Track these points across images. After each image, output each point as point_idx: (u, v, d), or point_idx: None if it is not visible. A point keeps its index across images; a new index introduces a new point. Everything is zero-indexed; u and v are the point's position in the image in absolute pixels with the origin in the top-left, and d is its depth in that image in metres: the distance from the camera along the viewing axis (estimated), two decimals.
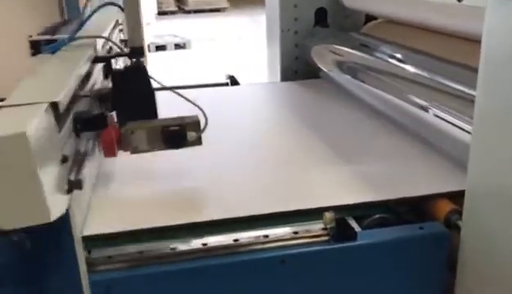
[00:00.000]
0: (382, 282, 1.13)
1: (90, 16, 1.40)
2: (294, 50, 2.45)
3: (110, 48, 1.67)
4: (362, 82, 1.93)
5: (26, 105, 0.86)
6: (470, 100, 1.32)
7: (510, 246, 0.97)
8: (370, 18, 2.46)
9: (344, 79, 2.09)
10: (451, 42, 1.79)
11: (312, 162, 1.49)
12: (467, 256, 1.10)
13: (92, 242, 1.06)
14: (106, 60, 1.43)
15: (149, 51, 4.38)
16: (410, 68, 1.71)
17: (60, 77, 1.08)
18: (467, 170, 1.08)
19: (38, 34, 1.65)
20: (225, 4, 11.38)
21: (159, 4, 10.61)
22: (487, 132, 1.01)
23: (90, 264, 1.01)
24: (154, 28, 8.39)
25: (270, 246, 1.07)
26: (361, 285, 1.11)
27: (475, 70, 1.39)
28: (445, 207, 1.18)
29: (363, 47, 2.07)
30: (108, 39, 1.63)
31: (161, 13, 10.60)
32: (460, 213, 1.14)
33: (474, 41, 1.60)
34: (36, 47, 1.46)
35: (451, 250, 1.13)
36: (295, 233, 1.10)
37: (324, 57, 2.31)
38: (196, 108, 1.30)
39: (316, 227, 1.11)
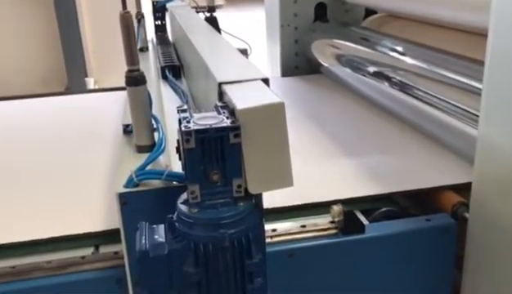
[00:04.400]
0: (390, 274, 1.12)
1: None
2: (294, 45, 2.44)
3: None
4: (364, 75, 1.93)
5: (247, 81, 0.89)
6: (472, 92, 1.32)
7: None
8: (369, 12, 2.45)
9: (346, 73, 2.09)
10: (451, 34, 1.79)
11: (317, 156, 1.49)
12: (475, 247, 1.10)
13: None
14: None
15: None
16: (411, 60, 1.71)
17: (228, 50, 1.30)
18: (473, 161, 1.08)
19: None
20: (221, 1, 11.39)
21: None
22: (494, 124, 1.01)
23: None
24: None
25: (278, 240, 1.07)
26: (369, 278, 1.11)
27: (476, 62, 1.41)
28: (451, 199, 1.18)
29: (364, 41, 2.07)
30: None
31: None
32: (466, 205, 1.14)
33: (474, 33, 1.62)
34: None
35: (458, 246, 1.13)
36: (303, 226, 1.10)
37: (324, 52, 2.30)
38: None
39: (324, 220, 1.11)
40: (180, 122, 0.74)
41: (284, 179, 0.77)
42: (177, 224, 0.75)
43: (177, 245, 0.74)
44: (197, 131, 0.70)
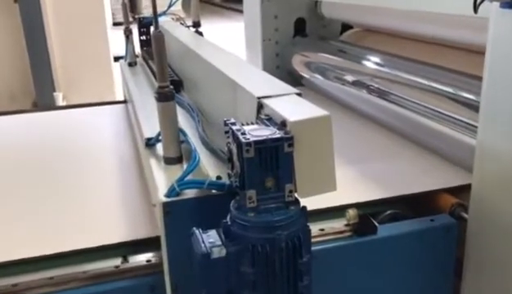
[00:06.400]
0: (399, 270, 1.21)
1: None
2: (275, 59, 2.53)
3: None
4: (343, 85, 2.04)
5: (283, 96, 0.98)
6: (449, 98, 1.47)
7: None
8: (345, 27, 2.58)
9: (326, 84, 2.20)
10: (421, 46, 1.94)
11: None
12: (474, 245, 1.20)
13: None
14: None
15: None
16: (386, 69, 1.84)
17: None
18: (461, 164, 1.18)
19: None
20: (181, 14, 11.44)
21: (114, 15, 10.50)
22: (492, 129, 1.11)
23: None
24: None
25: None
26: (382, 275, 1.19)
27: (451, 71, 1.56)
28: (449, 200, 1.28)
29: (341, 53, 2.20)
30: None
31: (116, 24, 10.48)
32: (463, 206, 1.24)
33: (445, 45, 1.78)
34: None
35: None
36: (321, 230, 1.17)
37: (305, 64, 2.41)
38: None
39: (339, 224, 1.19)
40: (234, 134, 0.80)
41: (329, 184, 0.84)
42: (231, 228, 0.81)
43: (234, 247, 0.79)
44: (256, 141, 0.77)
